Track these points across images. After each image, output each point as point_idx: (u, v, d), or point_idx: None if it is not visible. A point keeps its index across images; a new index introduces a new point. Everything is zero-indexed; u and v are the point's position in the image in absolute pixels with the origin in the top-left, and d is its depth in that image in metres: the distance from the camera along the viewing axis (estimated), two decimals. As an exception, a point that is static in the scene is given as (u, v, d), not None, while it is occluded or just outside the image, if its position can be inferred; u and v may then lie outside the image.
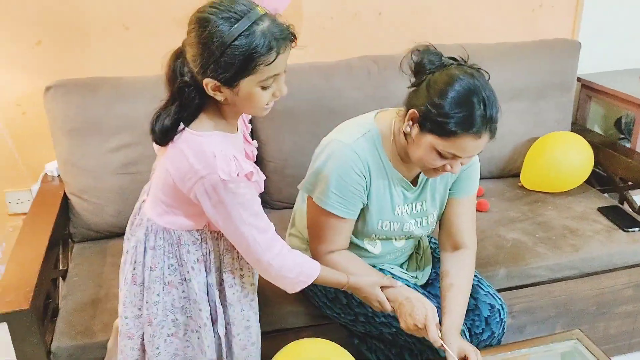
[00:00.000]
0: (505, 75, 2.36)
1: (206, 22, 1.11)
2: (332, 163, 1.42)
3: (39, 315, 1.52)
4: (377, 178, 1.47)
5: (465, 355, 1.38)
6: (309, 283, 1.37)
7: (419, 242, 1.75)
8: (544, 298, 1.98)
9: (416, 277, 1.68)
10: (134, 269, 1.36)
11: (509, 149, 2.45)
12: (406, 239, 1.62)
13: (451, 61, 1.34)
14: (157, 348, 1.39)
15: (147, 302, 1.36)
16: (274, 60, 1.13)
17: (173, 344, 1.41)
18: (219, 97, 1.19)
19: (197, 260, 1.34)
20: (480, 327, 1.58)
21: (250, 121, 1.49)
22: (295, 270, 1.34)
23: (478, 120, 1.24)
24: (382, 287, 1.44)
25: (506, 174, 2.50)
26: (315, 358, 1.41)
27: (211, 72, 1.13)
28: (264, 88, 1.17)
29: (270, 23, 1.14)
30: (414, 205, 1.55)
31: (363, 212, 1.50)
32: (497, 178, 2.49)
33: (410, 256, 1.74)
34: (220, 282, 1.39)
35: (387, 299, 1.43)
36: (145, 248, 1.34)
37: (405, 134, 1.38)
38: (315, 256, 1.50)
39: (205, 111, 1.24)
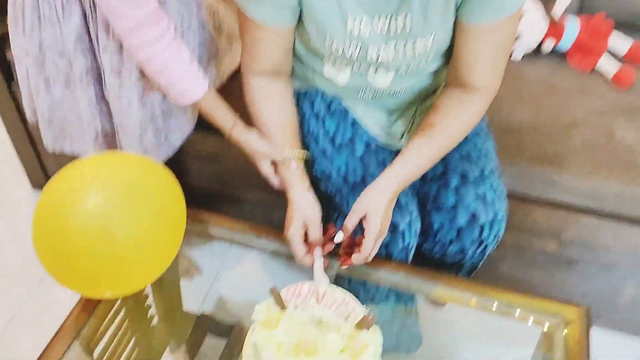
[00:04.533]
0: None
1: None
2: None
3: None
4: None
5: (357, 240, 1.02)
6: (186, 104, 1.14)
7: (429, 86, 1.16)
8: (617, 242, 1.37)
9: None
10: None
11: None
12: (393, 73, 1.08)
13: None
14: (38, 87, 1.22)
15: (22, 33, 1.17)
16: None
17: (54, 89, 1.22)
18: None
19: None
20: (445, 228, 1.12)
21: None
22: (165, 78, 1.09)
23: None
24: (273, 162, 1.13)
25: None
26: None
27: None
28: None
29: None
30: (387, 19, 0.99)
31: (303, 18, 1.03)
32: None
33: (413, 108, 1.20)
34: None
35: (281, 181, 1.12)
36: None
37: None
38: (242, 74, 1.14)
39: None
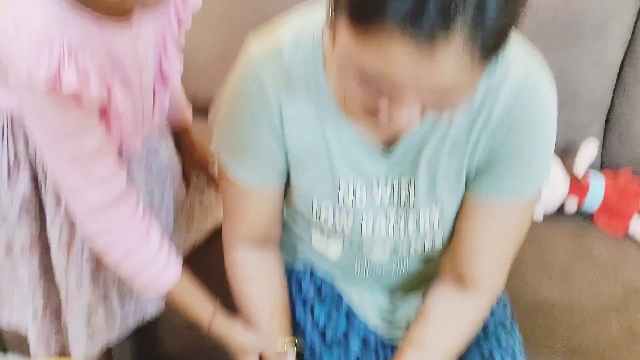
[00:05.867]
0: None
1: None
2: (229, 81, 0.83)
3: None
4: (301, 122, 0.79)
5: None
6: (154, 296, 0.98)
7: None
8: None
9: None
10: None
11: None
12: (391, 252, 0.90)
13: None
14: None
15: None
16: None
17: None
18: None
19: (16, 157, 0.93)
20: None
21: None
22: (129, 269, 0.92)
23: (431, 7, 0.52)
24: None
25: None
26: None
27: None
28: None
29: None
30: (387, 186, 0.83)
31: (290, 180, 0.87)
32: None
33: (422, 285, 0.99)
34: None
35: None
36: None
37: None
38: (224, 243, 0.97)
39: None
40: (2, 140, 0.91)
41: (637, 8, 1.36)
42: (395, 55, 0.55)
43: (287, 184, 0.88)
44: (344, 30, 0.59)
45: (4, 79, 0.80)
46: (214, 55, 1.54)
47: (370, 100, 0.63)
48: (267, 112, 0.78)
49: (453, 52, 0.54)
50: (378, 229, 0.85)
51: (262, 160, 0.83)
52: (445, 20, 0.53)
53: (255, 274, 0.95)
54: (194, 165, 1.21)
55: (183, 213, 1.16)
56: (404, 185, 0.82)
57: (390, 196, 0.83)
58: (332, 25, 0.62)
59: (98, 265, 1.01)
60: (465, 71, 0.57)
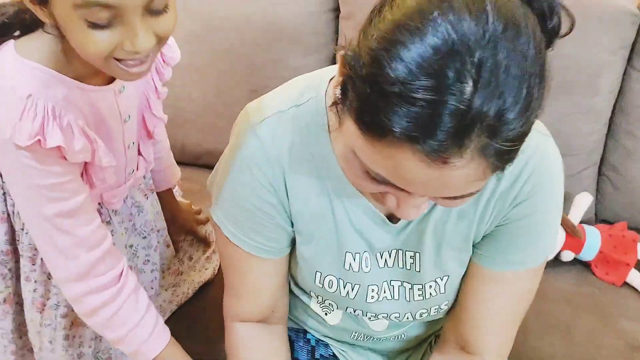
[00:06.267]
0: None
1: None
2: (228, 152, 0.79)
3: None
4: (306, 194, 0.76)
5: None
6: None
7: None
8: None
9: None
10: None
11: None
12: (389, 322, 0.87)
13: None
14: None
15: None
16: None
17: None
18: (41, 16, 0.73)
19: None
20: None
21: None
22: (114, 333, 0.88)
23: (446, 121, 0.50)
24: None
25: None
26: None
27: None
28: (93, 26, 0.69)
29: None
30: (392, 255, 0.81)
31: (295, 249, 0.82)
32: None
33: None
34: None
35: None
36: None
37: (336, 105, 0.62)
38: (225, 320, 0.90)
39: (44, 31, 0.77)
40: None
41: (626, 60, 1.38)
42: (406, 165, 0.53)
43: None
44: (352, 127, 0.56)
45: None
46: (203, 107, 1.53)
47: (378, 191, 0.61)
48: (271, 181, 0.74)
49: (465, 163, 0.52)
50: (383, 300, 0.82)
51: (266, 229, 0.78)
52: (460, 136, 0.50)
53: (257, 346, 0.88)
54: (180, 229, 1.19)
55: (171, 270, 1.13)
56: (410, 256, 0.79)
57: (395, 268, 0.80)
58: (340, 110, 0.59)
59: (74, 323, 0.97)
60: (477, 179, 0.54)
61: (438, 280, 0.80)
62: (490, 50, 0.50)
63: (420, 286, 0.81)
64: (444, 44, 0.49)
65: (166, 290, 1.13)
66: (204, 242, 1.24)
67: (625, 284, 1.30)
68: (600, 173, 1.46)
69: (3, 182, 0.86)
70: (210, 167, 1.24)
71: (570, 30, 0.60)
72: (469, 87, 0.49)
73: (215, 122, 1.52)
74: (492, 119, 0.50)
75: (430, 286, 0.81)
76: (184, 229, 1.20)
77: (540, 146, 0.72)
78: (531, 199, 0.73)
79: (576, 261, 1.34)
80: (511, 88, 0.50)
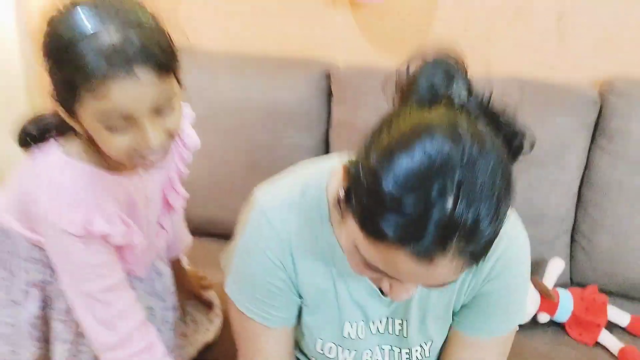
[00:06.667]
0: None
1: (56, 21, 0.82)
2: (241, 231, 0.90)
3: None
4: (311, 273, 0.88)
5: None
6: None
7: None
8: None
9: None
10: None
11: None
12: None
13: (461, 98, 0.71)
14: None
15: None
16: (103, 88, 0.77)
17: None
18: (73, 124, 0.87)
19: (31, 283, 1.03)
20: None
21: None
22: None
23: (430, 231, 0.61)
24: None
25: None
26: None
27: (53, 90, 0.85)
28: (109, 129, 0.82)
29: (121, 35, 0.78)
30: (383, 323, 0.93)
31: (301, 319, 0.94)
32: None
33: None
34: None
35: None
36: None
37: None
38: None
39: (76, 135, 0.92)
40: (24, 264, 1.02)
41: (590, 136, 1.53)
42: (399, 262, 0.65)
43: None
44: (354, 227, 0.68)
45: (28, 219, 0.95)
46: (207, 180, 1.66)
47: (375, 276, 0.73)
48: (282, 260, 0.86)
49: (447, 262, 0.64)
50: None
51: (277, 302, 0.89)
52: (443, 242, 0.61)
53: None
54: (187, 294, 1.33)
55: (178, 330, 1.23)
56: (398, 324, 0.92)
57: (386, 334, 0.93)
58: (343, 208, 0.71)
59: None
60: (456, 272, 0.66)
61: (423, 344, 0.93)
62: (467, 170, 0.61)
63: (408, 350, 0.93)
64: (429, 165, 0.61)
65: (172, 351, 1.24)
66: (208, 306, 1.35)
67: (597, 343, 1.40)
68: (573, 240, 1.58)
69: (45, 257, 0.99)
70: (212, 235, 1.38)
71: (532, 148, 0.73)
72: (450, 202, 0.60)
73: (217, 194, 1.65)
74: (469, 228, 0.61)
75: (417, 350, 0.93)
76: (190, 294, 1.32)
77: (508, 232, 0.81)
78: (501, 277, 0.86)
79: (552, 323, 1.44)
80: (485, 201, 0.62)
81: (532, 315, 1.43)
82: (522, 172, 1.52)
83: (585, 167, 1.55)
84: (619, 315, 1.44)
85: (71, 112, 0.84)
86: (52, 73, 0.82)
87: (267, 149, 1.65)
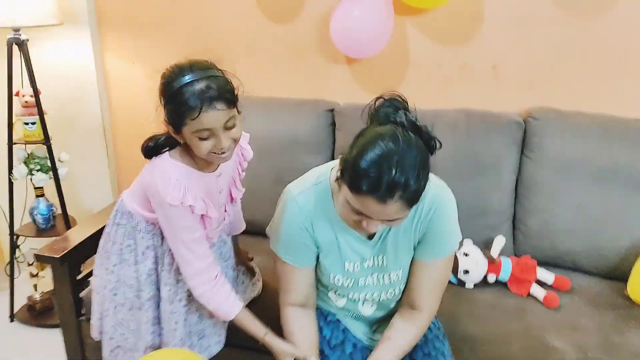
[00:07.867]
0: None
1: (168, 76, 1.32)
2: (280, 212, 1.43)
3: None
4: (323, 231, 1.41)
5: None
6: (227, 320, 1.55)
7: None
8: None
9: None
10: (103, 239, 1.62)
11: (625, 246, 1.98)
12: (376, 306, 1.52)
13: (400, 119, 1.21)
14: (107, 310, 1.60)
15: (106, 269, 1.59)
16: (198, 115, 1.27)
17: (120, 313, 1.61)
18: (179, 139, 1.38)
19: (148, 247, 1.54)
20: None
21: None
22: (213, 305, 1.49)
23: (383, 185, 1.13)
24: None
25: (617, 275, 1.99)
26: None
27: (166, 117, 1.35)
28: (200, 139, 1.32)
29: (206, 83, 1.28)
30: (371, 259, 1.44)
31: (319, 261, 1.47)
32: (603, 277, 2.03)
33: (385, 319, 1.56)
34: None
35: None
36: (112, 223, 1.58)
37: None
38: (280, 306, 1.52)
39: (182, 146, 1.43)
40: (143, 234, 1.55)
41: (519, 149, 2.10)
42: (369, 205, 1.17)
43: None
44: (346, 190, 1.20)
45: (146, 203, 1.48)
46: (245, 192, 2.13)
47: (358, 219, 1.25)
48: (305, 225, 1.39)
49: (395, 204, 1.16)
50: (367, 285, 1.47)
51: (302, 251, 1.42)
52: (390, 193, 1.14)
53: (300, 323, 1.49)
54: (238, 262, 1.85)
55: (233, 286, 1.74)
56: (380, 258, 1.43)
57: (373, 265, 1.44)
58: (340, 180, 1.24)
59: (188, 312, 1.59)
60: (402, 211, 1.19)
61: (397, 270, 1.44)
62: (401, 156, 1.14)
63: (387, 274, 1.45)
64: (381, 154, 1.14)
65: None
66: (251, 272, 1.90)
67: (530, 295, 1.93)
68: (513, 225, 2.13)
69: (157, 229, 1.53)
70: (248, 231, 1.86)
71: (440, 146, 1.23)
72: (393, 171, 1.13)
73: (251, 201, 2.08)
74: (403, 184, 1.14)
75: (393, 274, 1.45)
76: (241, 262, 1.86)
77: (435, 190, 1.38)
78: (436, 216, 1.38)
79: (497, 282, 1.98)
80: (411, 170, 1.14)
81: (482, 276, 1.97)
82: (472, 178, 2.15)
83: (519, 172, 2.11)
84: (546, 274, 1.97)
85: (178, 131, 1.36)
86: (166, 107, 1.34)
87: (288, 168, 2.17)
